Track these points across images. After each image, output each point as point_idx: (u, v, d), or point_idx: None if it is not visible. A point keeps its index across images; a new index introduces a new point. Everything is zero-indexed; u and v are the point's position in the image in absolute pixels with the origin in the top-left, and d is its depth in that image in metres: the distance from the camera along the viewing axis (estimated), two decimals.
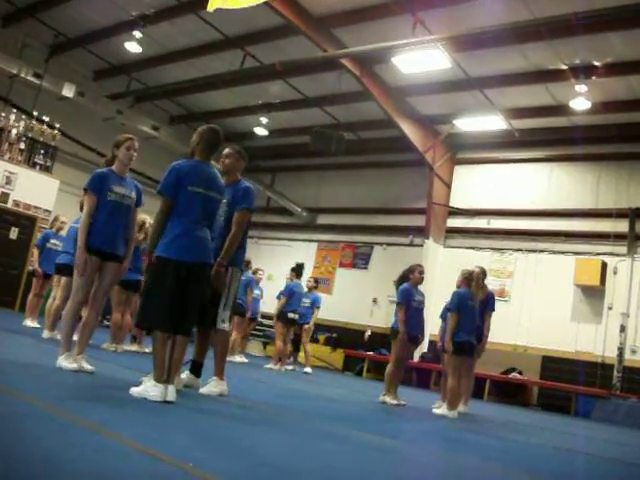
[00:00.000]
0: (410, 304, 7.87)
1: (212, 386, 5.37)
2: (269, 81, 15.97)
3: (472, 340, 7.78)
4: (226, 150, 5.77)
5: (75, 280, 5.27)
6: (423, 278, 8.17)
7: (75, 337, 5.45)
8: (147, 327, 4.52)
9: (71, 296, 5.34)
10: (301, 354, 13.25)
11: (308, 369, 12.48)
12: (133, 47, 15.00)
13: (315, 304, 12.54)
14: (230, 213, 5.43)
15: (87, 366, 5.13)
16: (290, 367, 12.48)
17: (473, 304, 7.83)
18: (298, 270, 12.66)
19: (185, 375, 5.44)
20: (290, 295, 12.07)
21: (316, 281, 13.38)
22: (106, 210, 5.25)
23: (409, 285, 8.00)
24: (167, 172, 4.69)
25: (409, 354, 8.47)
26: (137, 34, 14.37)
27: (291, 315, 11.99)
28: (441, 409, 7.51)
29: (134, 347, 8.92)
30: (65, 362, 5.09)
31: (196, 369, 5.58)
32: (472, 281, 7.92)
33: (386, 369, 8.00)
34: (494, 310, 8.56)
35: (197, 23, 13.79)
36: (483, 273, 8.71)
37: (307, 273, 15.81)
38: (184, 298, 4.45)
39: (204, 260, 4.62)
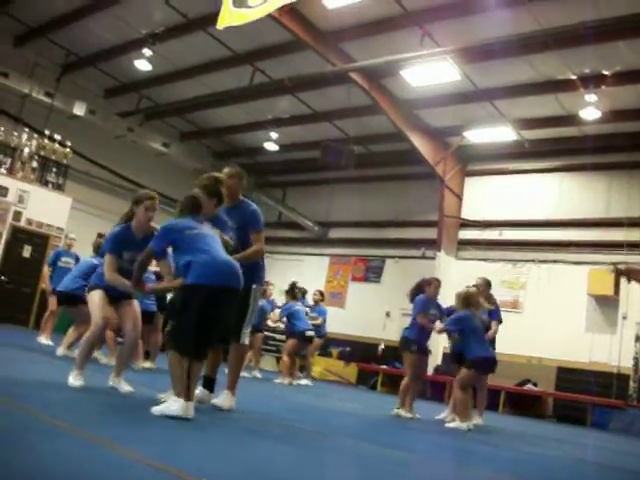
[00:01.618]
0: (424, 316, 7.86)
1: (224, 399, 5.36)
2: (278, 96, 16.04)
3: (491, 354, 7.69)
4: (226, 170, 5.71)
5: (92, 310, 5.48)
6: (439, 292, 8.16)
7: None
8: (179, 351, 4.50)
9: (92, 325, 5.50)
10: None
11: (308, 382, 12.45)
12: (143, 65, 15.10)
13: (322, 316, 12.63)
14: (241, 236, 5.46)
15: (126, 387, 5.39)
16: (304, 382, 12.40)
17: (477, 323, 7.75)
18: (292, 291, 12.35)
19: (199, 391, 5.44)
20: (290, 316, 11.97)
21: (321, 294, 13.32)
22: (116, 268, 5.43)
23: (423, 297, 7.98)
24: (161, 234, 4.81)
25: (424, 367, 8.43)
26: (147, 52, 14.48)
27: (309, 333, 11.91)
28: (454, 422, 7.46)
29: (147, 364, 8.93)
30: (72, 379, 5.16)
31: (209, 384, 5.57)
32: (471, 301, 7.80)
33: (402, 382, 7.96)
34: (501, 321, 8.54)
35: (206, 40, 13.89)
36: (487, 284, 8.70)
37: (319, 287, 15.74)
38: (211, 324, 4.48)
39: (234, 286, 4.60)
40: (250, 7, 10.42)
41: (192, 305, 4.37)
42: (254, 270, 5.46)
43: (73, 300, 8.36)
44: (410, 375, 7.85)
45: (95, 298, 5.48)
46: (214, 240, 4.71)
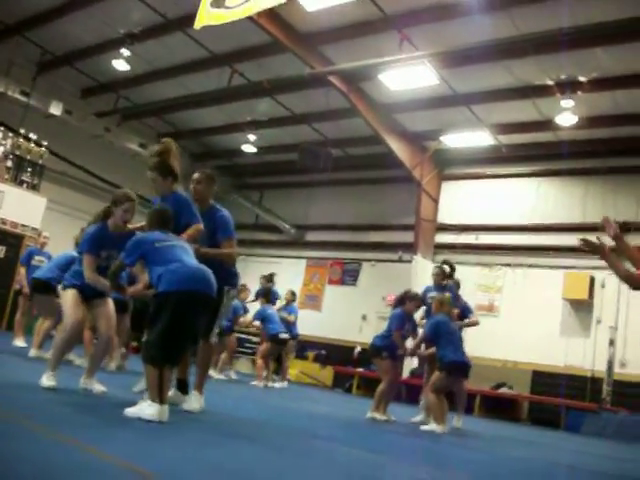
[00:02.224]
0: (401, 332, 7.89)
1: (193, 401, 5.33)
2: (257, 98, 16.00)
3: (465, 360, 7.72)
4: (196, 175, 5.64)
5: (65, 309, 5.44)
6: (415, 312, 8.24)
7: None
8: (154, 364, 4.44)
9: (65, 326, 5.47)
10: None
11: (284, 384, 12.44)
12: (121, 65, 14.98)
13: (294, 314, 12.69)
14: (210, 241, 5.43)
15: (99, 387, 5.36)
16: (279, 384, 12.37)
17: (453, 327, 7.81)
18: (265, 293, 12.37)
19: (172, 392, 5.41)
20: (263, 319, 11.94)
21: (293, 294, 13.26)
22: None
23: (402, 312, 7.99)
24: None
25: (398, 371, 8.47)
26: (125, 52, 14.38)
27: (283, 336, 11.88)
28: (429, 425, 7.46)
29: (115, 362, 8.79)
30: (45, 380, 5.10)
31: (182, 386, 5.54)
32: (444, 305, 7.88)
33: (378, 387, 7.95)
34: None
35: (185, 41, 13.82)
36: (457, 285, 8.85)
37: (296, 290, 15.71)
38: (184, 330, 4.45)
39: (206, 291, 4.54)
40: (228, 8, 10.41)
41: (166, 313, 4.32)
42: (227, 274, 5.44)
43: (46, 288, 8.28)
44: (386, 381, 7.85)
45: (69, 297, 5.41)
46: (185, 251, 4.68)
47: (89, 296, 5.44)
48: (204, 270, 4.55)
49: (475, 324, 9.23)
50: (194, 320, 4.48)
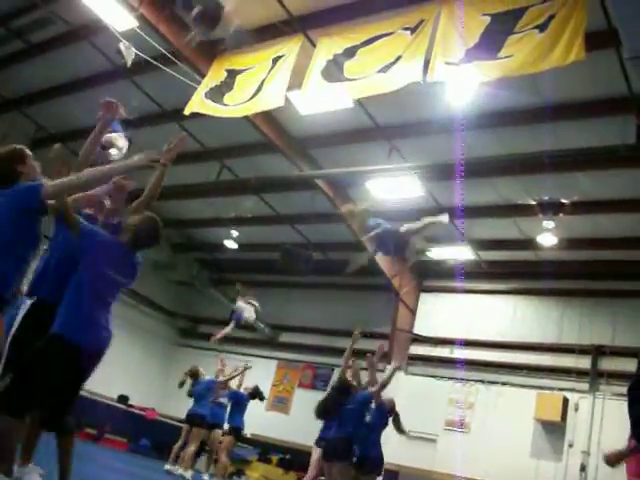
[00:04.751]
0: None
1: None
2: (243, 195, 16.14)
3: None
4: None
5: None
6: None
7: None
8: None
9: None
10: None
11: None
12: (113, 150, 15.10)
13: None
14: None
15: None
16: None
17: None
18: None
19: None
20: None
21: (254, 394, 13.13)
22: None
23: None
24: None
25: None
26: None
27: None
28: None
29: None
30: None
31: None
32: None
33: None
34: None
35: (178, 132, 13.98)
36: None
37: (265, 390, 15.43)
38: None
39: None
40: (226, 105, 10.65)
41: None
42: None
43: None
44: None
45: None
46: None
47: None
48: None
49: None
50: None
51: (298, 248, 15.33)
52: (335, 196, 14.32)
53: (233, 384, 13.16)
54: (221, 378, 12.83)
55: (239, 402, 12.59)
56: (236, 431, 12.07)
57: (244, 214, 17.30)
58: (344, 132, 12.65)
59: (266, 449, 16.21)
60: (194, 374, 12.71)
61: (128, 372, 19.38)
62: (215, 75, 11.04)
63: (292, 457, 17.02)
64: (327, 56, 9.56)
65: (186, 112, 10.61)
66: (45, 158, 17.39)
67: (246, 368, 13.32)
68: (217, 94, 10.72)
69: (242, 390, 12.92)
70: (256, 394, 13.01)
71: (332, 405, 7.89)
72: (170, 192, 16.43)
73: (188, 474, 11.51)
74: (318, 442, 8.81)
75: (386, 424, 8.74)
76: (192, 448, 11.83)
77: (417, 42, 8.57)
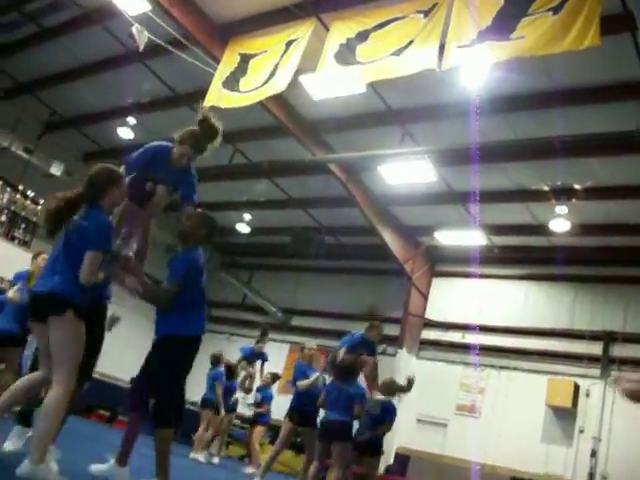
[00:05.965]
0: None
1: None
2: (255, 179, 16.17)
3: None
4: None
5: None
6: None
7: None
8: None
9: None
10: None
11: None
12: (126, 133, 15.19)
13: (267, 402, 12.70)
14: None
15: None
16: (250, 470, 12.10)
17: None
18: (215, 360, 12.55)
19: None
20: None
21: (275, 378, 13.36)
22: None
23: None
24: None
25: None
26: (131, 120, 14.62)
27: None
28: None
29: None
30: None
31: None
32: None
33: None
34: None
35: (190, 115, 13.98)
36: None
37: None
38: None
39: None
40: (241, 92, 10.64)
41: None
42: None
43: None
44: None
45: None
46: None
47: None
48: None
49: None
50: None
51: (310, 232, 15.35)
52: (347, 180, 14.31)
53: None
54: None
55: (268, 398, 12.74)
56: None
57: (256, 198, 17.35)
58: (357, 116, 12.62)
59: (277, 432, 16.23)
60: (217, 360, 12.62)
61: (142, 356, 19.46)
62: (229, 60, 11.04)
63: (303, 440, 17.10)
64: (340, 40, 9.55)
65: (206, 104, 10.58)
66: (58, 142, 17.51)
67: (252, 375, 13.36)
68: (232, 81, 10.72)
69: (261, 382, 13.01)
70: (276, 380, 13.26)
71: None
72: None
73: (201, 456, 11.62)
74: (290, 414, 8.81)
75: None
76: (210, 433, 12.01)
77: (431, 26, 8.54)
